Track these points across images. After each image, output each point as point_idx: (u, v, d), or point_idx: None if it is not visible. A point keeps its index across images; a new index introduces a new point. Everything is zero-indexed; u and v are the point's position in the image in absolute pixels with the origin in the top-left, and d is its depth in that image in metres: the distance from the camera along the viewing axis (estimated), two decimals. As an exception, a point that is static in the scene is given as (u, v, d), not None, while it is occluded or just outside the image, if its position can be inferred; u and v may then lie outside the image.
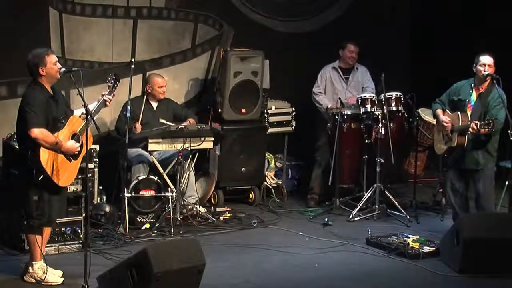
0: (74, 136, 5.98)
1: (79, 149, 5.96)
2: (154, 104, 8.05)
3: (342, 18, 9.85)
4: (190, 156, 7.90)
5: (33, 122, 5.75)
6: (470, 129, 6.88)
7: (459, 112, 7.09)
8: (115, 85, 6.34)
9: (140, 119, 7.79)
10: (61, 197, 6.09)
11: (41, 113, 5.79)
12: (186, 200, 7.83)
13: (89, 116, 5.80)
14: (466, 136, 7.01)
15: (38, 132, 5.73)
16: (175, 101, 8.28)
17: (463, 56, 7.43)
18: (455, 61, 8.82)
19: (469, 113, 7.06)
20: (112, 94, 6.29)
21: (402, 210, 8.01)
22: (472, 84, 7.14)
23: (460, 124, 7.03)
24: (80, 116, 6.07)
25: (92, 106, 5.99)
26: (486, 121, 6.79)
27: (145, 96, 8.01)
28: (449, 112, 7.23)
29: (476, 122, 6.85)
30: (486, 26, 9.72)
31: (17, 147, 6.21)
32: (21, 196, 5.97)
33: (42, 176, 5.78)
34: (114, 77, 6.35)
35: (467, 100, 7.13)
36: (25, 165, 5.85)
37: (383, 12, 10.06)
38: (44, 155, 5.79)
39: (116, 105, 7.67)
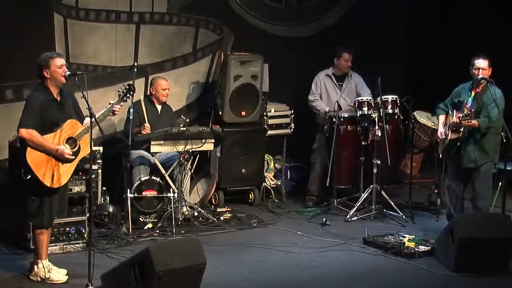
0: (69, 140, 6.00)
1: (70, 157, 5.95)
2: (159, 107, 8.11)
3: (341, 22, 9.90)
4: (191, 159, 8.01)
5: (23, 122, 5.83)
6: (454, 122, 7.02)
7: (455, 111, 7.20)
8: (127, 96, 6.34)
9: (147, 122, 7.81)
10: (59, 198, 6.11)
11: (35, 115, 5.84)
12: (188, 201, 7.91)
13: (93, 118, 5.83)
14: (460, 133, 7.12)
15: (25, 132, 5.80)
16: (172, 111, 8.31)
17: (461, 59, 7.49)
18: (452, 63, 8.88)
19: (465, 112, 7.12)
20: (120, 104, 6.27)
21: (398, 210, 8.07)
22: (471, 86, 7.26)
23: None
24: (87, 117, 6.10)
25: (98, 114, 6.00)
26: (466, 113, 6.91)
27: (148, 99, 8.07)
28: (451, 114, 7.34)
29: (459, 115, 6.98)
30: (486, 27, 9.75)
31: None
32: (22, 196, 6.02)
33: (29, 175, 5.82)
34: (127, 87, 6.34)
35: (465, 101, 7.23)
36: (20, 164, 5.91)
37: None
38: (32, 155, 5.82)
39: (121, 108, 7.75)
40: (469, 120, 6.90)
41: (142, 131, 7.74)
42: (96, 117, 5.91)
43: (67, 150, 5.94)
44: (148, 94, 8.16)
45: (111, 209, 7.49)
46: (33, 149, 5.84)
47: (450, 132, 7.19)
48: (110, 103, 6.23)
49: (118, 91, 6.41)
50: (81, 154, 6.07)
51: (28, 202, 5.98)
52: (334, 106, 8.32)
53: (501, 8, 9.65)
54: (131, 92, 6.39)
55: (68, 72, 5.99)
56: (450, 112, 7.36)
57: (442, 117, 7.44)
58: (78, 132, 6.03)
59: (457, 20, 10.06)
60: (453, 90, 7.43)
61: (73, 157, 5.99)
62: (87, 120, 6.08)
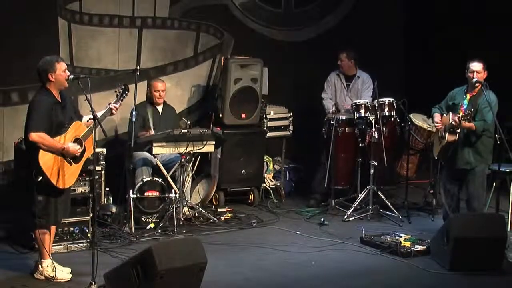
0: (76, 141, 6.06)
1: (79, 151, 6.04)
2: (159, 108, 8.17)
3: (339, 26, 9.97)
4: (192, 160, 8.09)
5: (32, 126, 5.88)
6: (453, 122, 7.06)
7: (451, 113, 7.27)
8: (123, 95, 6.45)
9: (152, 125, 7.94)
10: (65, 198, 6.19)
11: (43, 118, 5.90)
12: (189, 201, 8.00)
13: (96, 120, 5.92)
14: (457, 135, 7.20)
15: (35, 136, 5.86)
16: (176, 112, 8.38)
17: (458, 61, 7.53)
18: (449, 66, 8.92)
19: (460, 114, 7.19)
20: (118, 103, 6.38)
21: (395, 211, 8.13)
22: (466, 90, 7.34)
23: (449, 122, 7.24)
24: (87, 121, 6.19)
25: (99, 114, 6.07)
26: (466, 113, 6.97)
27: (149, 101, 8.13)
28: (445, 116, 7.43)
29: (458, 115, 7.04)
30: (485, 28, 9.78)
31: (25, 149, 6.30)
32: (29, 196, 6.06)
33: (41, 177, 5.89)
34: (123, 87, 6.45)
35: (460, 104, 7.31)
36: (29, 166, 5.96)
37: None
38: (43, 157, 5.88)
39: (122, 110, 7.72)
40: (468, 120, 6.94)
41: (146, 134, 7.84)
42: (98, 117, 5.99)
43: (73, 146, 6.00)
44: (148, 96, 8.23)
45: (114, 209, 7.56)
46: (45, 152, 5.90)
47: (447, 134, 7.26)
48: (109, 103, 6.34)
49: (115, 91, 6.49)
50: (87, 154, 6.16)
51: (35, 202, 6.02)
52: (332, 108, 8.42)
53: (501, 9, 9.68)
54: (126, 92, 6.49)
55: (72, 76, 6.06)
56: (445, 114, 7.44)
57: (437, 114, 7.51)
58: (83, 133, 6.10)
59: (454, 21, 10.11)
60: (449, 93, 7.50)
61: (80, 150, 6.05)
62: (85, 118, 6.20)
